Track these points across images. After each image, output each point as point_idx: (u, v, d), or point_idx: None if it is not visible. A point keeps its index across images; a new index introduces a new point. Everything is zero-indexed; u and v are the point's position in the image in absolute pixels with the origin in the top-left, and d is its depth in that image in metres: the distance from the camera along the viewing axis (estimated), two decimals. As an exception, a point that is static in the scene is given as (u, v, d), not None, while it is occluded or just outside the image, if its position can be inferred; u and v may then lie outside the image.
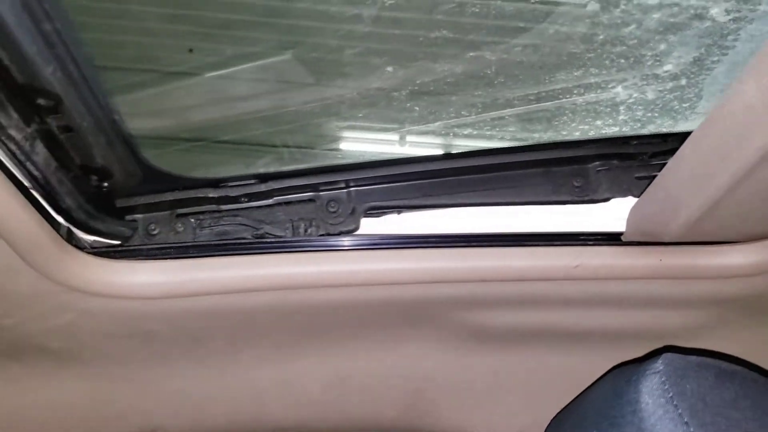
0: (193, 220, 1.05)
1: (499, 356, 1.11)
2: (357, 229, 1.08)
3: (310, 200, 1.08)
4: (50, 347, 0.99)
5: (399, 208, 1.12)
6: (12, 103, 0.78)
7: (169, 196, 1.04)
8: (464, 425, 1.17)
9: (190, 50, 0.98)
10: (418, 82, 1.02)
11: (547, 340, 1.08)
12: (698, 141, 0.79)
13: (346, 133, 1.17)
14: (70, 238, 0.91)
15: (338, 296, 0.96)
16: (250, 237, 1.06)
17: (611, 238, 0.99)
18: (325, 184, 1.08)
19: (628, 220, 0.99)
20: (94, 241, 0.95)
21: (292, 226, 1.07)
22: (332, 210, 1.08)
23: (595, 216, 1.16)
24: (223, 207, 1.05)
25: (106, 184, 0.98)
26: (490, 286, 0.96)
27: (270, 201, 1.07)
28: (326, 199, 1.08)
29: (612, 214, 1.12)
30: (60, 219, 0.92)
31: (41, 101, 0.80)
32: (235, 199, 1.06)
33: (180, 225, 1.05)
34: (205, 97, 1.07)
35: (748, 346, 1.07)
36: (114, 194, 1.01)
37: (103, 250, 0.94)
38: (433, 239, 0.99)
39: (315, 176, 1.08)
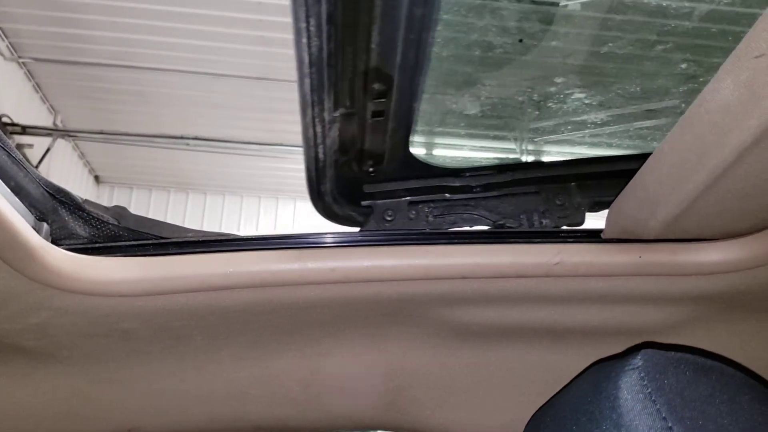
0: (425, 208, 1.05)
1: (480, 353, 1.11)
2: (582, 223, 1.07)
3: (536, 193, 1.07)
4: (25, 346, 0.97)
5: None
6: (338, 87, 0.76)
7: (412, 184, 1.03)
8: (445, 422, 1.17)
9: (520, 40, 0.98)
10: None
11: (528, 337, 1.09)
12: (676, 139, 0.80)
13: (582, 125, 1.18)
14: (46, 234, 0.89)
15: (318, 293, 0.95)
16: (486, 227, 1.06)
17: (591, 236, 1.00)
18: (553, 177, 1.08)
19: (608, 218, 1.00)
20: (70, 237, 0.94)
21: (527, 218, 1.06)
22: (559, 203, 1.07)
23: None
24: (454, 196, 1.05)
25: (372, 170, 0.98)
26: (470, 283, 0.96)
27: (497, 192, 1.07)
28: (553, 192, 1.07)
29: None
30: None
31: (376, 85, 0.78)
32: (470, 189, 1.05)
33: (413, 212, 1.05)
34: (498, 85, 1.07)
35: (726, 341, 1.09)
36: (364, 179, 1.00)
37: (80, 246, 0.92)
38: (414, 236, 0.99)
39: (543, 169, 1.08)
